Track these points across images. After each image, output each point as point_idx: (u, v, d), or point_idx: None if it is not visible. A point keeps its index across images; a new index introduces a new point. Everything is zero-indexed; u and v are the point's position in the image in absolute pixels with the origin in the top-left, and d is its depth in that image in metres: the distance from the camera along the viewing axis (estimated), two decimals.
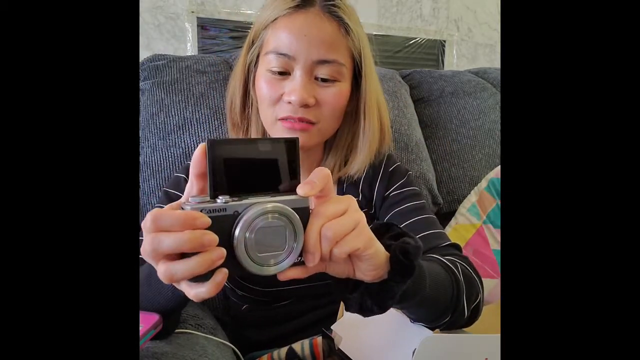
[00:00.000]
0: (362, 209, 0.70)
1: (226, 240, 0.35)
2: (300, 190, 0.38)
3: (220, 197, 0.36)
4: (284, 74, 0.61)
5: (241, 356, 0.62)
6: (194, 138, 0.87)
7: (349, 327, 0.60)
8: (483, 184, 1.14)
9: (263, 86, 0.62)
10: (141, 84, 0.91)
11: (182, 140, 0.87)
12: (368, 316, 0.44)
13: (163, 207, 0.68)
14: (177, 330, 0.58)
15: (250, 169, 0.38)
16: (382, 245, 0.42)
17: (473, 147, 1.19)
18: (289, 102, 0.61)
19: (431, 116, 1.19)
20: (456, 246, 0.64)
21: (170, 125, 0.87)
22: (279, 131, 0.63)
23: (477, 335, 0.56)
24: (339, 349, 0.59)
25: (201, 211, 0.34)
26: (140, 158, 0.85)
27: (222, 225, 0.35)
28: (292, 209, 0.37)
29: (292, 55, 0.60)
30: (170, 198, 0.66)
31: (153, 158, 0.86)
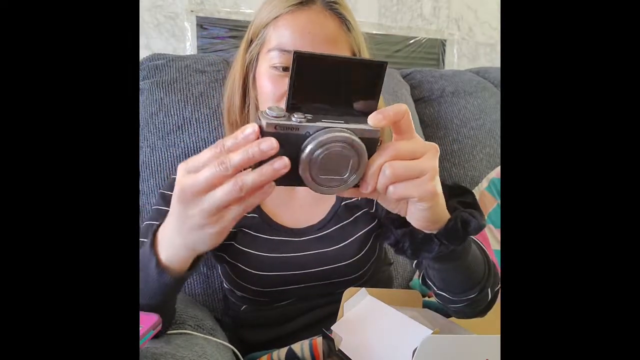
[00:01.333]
0: (362, 208, 0.71)
1: (293, 156, 0.37)
2: (371, 119, 0.38)
3: (295, 115, 0.37)
4: (288, 69, 0.61)
5: (240, 357, 0.62)
6: (194, 138, 0.87)
7: (349, 328, 0.60)
8: (484, 183, 1.13)
9: (266, 84, 0.62)
10: (140, 83, 0.90)
11: (182, 140, 0.86)
12: (399, 255, 0.46)
13: (160, 209, 0.67)
14: (176, 331, 0.58)
15: (331, 87, 0.39)
16: (445, 204, 0.43)
17: (474, 146, 1.18)
18: None
19: (432, 116, 1.19)
20: None
21: (170, 125, 0.87)
22: None
23: (477, 335, 0.56)
24: (339, 349, 0.59)
25: (275, 127, 0.36)
26: (139, 158, 0.85)
27: (292, 142, 0.37)
28: (362, 138, 0.37)
29: None
30: (167, 201, 0.66)
31: (152, 158, 0.85)
